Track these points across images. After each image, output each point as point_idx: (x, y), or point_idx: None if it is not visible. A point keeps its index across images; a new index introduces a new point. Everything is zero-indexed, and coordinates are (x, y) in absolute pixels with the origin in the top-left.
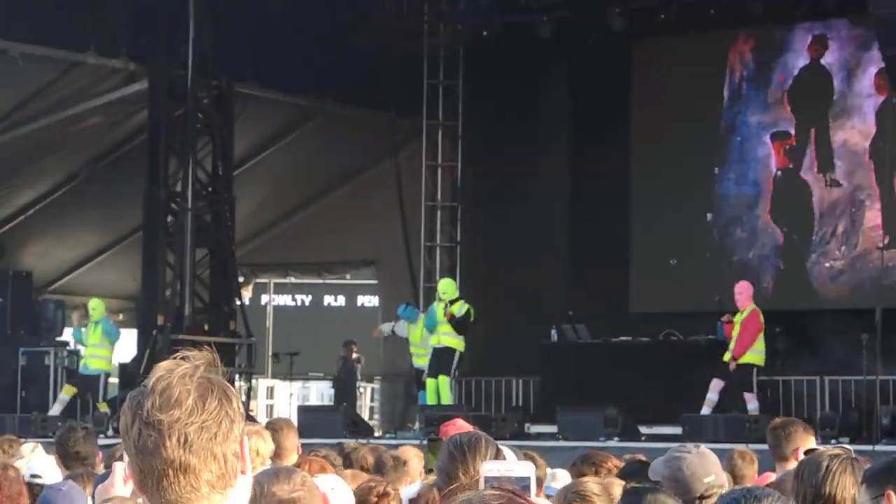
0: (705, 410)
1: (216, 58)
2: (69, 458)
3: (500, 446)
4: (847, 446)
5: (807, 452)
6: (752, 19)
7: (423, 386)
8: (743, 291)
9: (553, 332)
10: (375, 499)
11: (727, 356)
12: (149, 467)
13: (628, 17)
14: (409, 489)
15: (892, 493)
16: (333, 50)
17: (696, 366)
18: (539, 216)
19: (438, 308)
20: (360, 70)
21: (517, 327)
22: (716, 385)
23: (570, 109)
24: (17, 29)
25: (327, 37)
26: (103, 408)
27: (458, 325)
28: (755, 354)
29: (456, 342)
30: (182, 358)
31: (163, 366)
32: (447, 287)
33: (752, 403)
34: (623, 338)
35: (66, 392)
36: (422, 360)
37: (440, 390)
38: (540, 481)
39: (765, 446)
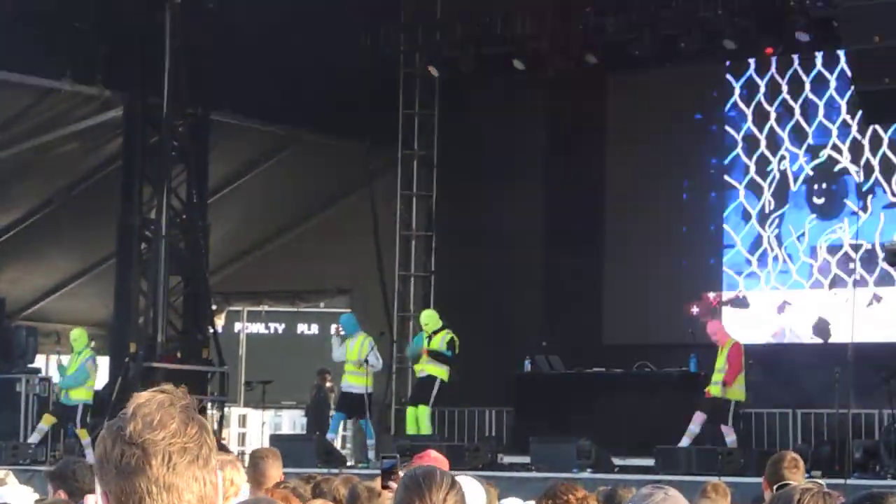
0: (685, 442)
1: (192, 86)
2: (75, 493)
3: (462, 476)
4: (819, 480)
5: (779, 487)
6: (727, 53)
7: (348, 410)
8: (717, 331)
9: (527, 362)
10: None
11: (712, 389)
12: (131, 488)
13: (603, 50)
14: None
15: None
16: (309, 79)
17: (669, 397)
18: (514, 247)
19: (423, 339)
20: (336, 100)
21: (491, 357)
22: (698, 418)
23: (546, 141)
24: None
25: (303, 66)
26: (84, 435)
27: (438, 357)
28: (736, 390)
29: (439, 370)
30: (159, 390)
31: (142, 395)
32: (429, 319)
33: (730, 437)
34: (596, 369)
35: (46, 422)
36: (353, 380)
37: (419, 420)
38: None
39: (738, 479)
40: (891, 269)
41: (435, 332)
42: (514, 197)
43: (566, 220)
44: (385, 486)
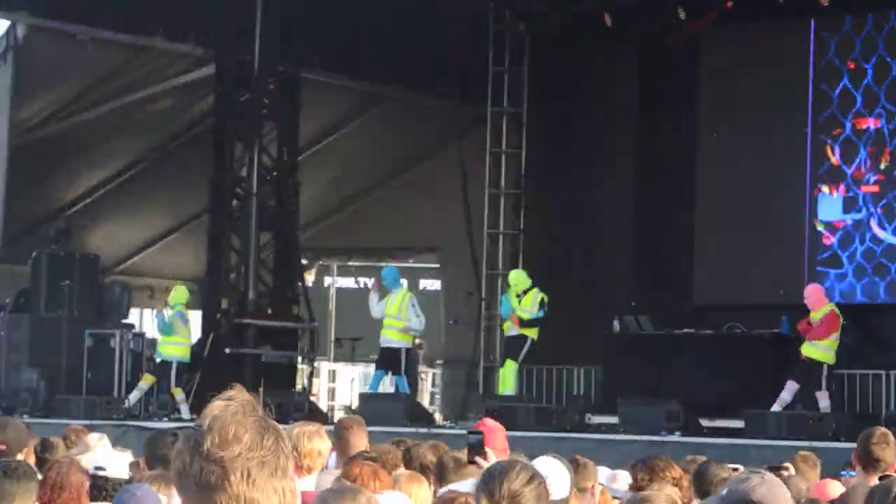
0: (776, 408)
1: (283, 43)
2: (156, 461)
3: (546, 458)
4: None
5: (882, 478)
6: (821, 8)
7: (387, 365)
8: (811, 294)
9: (615, 322)
10: None
11: (805, 349)
12: (212, 503)
13: (694, 5)
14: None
15: None
16: (400, 36)
17: (760, 359)
18: (603, 205)
19: (511, 296)
20: (427, 57)
21: (580, 316)
22: (790, 386)
23: (637, 98)
24: (85, 14)
25: (394, 23)
26: (178, 393)
27: (528, 323)
28: (826, 353)
29: (529, 330)
30: (229, 398)
31: (216, 405)
32: (517, 278)
33: (823, 401)
34: (686, 330)
35: (145, 381)
36: (392, 335)
37: (503, 376)
38: (586, 489)
39: (829, 444)
40: None
41: (525, 292)
42: (603, 155)
43: (657, 177)
44: (472, 461)
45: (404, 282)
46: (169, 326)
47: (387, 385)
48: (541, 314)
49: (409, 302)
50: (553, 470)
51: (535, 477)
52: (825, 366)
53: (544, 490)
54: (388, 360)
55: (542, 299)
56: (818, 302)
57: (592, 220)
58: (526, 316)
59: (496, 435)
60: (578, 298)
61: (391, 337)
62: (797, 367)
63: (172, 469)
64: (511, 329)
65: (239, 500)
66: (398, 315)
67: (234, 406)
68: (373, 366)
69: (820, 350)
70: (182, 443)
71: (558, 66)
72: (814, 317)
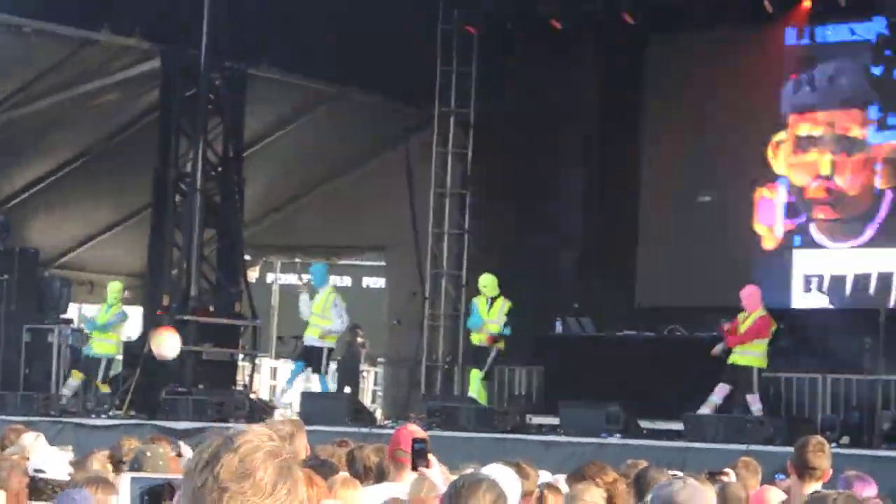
0: (705, 410)
1: (230, 39)
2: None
3: (496, 467)
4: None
5: (803, 470)
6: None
7: (307, 361)
8: (749, 296)
9: (558, 323)
10: None
11: (732, 358)
12: None
13: (646, 10)
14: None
15: None
16: (346, 35)
17: (700, 362)
18: (549, 207)
19: (480, 303)
20: (374, 55)
21: (523, 317)
22: (721, 390)
23: (584, 100)
24: (31, 6)
25: (341, 21)
26: (104, 389)
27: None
28: (757, 357)
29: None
30: (272, 434)
31: (256, 431)
32: (489, 283)
33: (755, 405)
34: (628, 332)
35: (75, 377)
36: (315, 333)
37: (476, 388)
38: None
39: (767, 448)
40: None
41: (494, 299)
42: (550, 155)
43: (604, 180)
44: (415, 468)
45: (333, 279)
46: (113, 325)
47: (316, 382)
48: (507, 332)
49: (333, 302)
50: (505, 480)
51: (500, 496)
52: (755, 370)
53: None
54: (310, 357)
55: (509, 309)
56: (754, 304)
57: (538, 220)
58: (496, 329)
59: (416, 434)
60: (522, 298)
61: (314, 336)
62: (726, 370)
63: (189, 461)
64: (480, 342)
65: None
66: (322, 314)
67: (268, 444)
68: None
69: (748, 356)
70: (208, 443)
71: (506, 68)
72: (741, 319)
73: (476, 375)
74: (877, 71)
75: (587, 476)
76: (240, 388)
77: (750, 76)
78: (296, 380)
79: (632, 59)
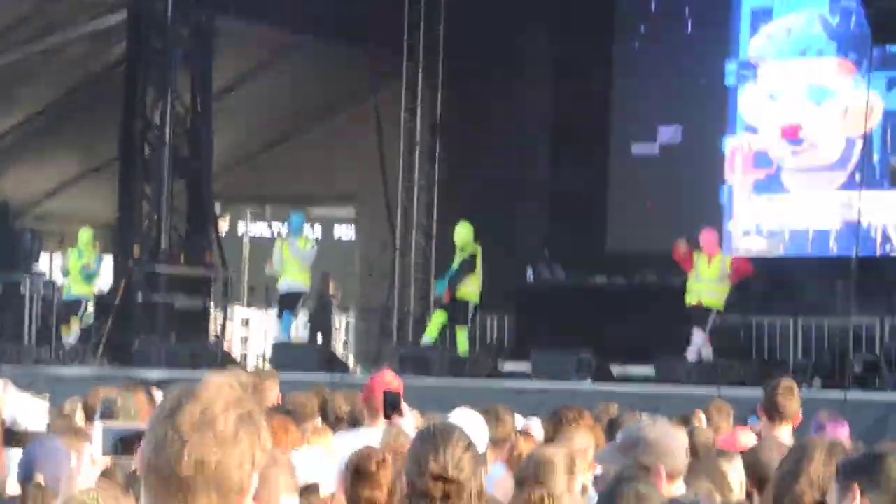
0: (691, 357)
1: None
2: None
3: (464, 411)
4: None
5: (773, 412)
6: None
7: (288, 307)
8: (708, 240)
9: (529, 271)
10: (374, 467)
11: (704, 298)
12: (156, 466)
13: None
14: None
15: (857, 488)
16: None
17: (671, 307)
18: (518, 156)
19: (456, 262)
20: (343, 6)
21: (494, 266)
22: (698, 332)
23: (553, 52)
24: None
25: None
26: (75, 322)
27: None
28: (717, 299)
29: (468, 293)
30: (231, 382)
31: (218, 380)
32: (465, 238)
33: (706, 349)
34: (599, 277)
35: (67, 332)
36: (297, 276)
37: (458, 341)
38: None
39: (738, 389)
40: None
41: (462, 248)
42: (519, 106)
43: (572, 128)
44: (388, 417)
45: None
46: (95, 272)
47: (299, 328)
48: (471, 305)
49: (312, 244)
50: (471, 425)
51: (471, 444)
52: (714, 310)
53: (477, 453)
54: (291, 302)
55: (468, 258)
56: (715, 248)
57: (507, 169)
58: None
59: (395, 384)
60: (494, 246)
61: (295, 280)
62: (696, 310)
63: (152, 413)
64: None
65: (180, 480)
66: (302, 259)
67: (229, 393)
68: None
69: (714, 298)
70: (169, 395)
71: (475, 18)
72: (712, 265)
73: (462, 333)
74: (834, 21)
75: (567, 420)
76: (212, 338)
77: (716, 21)
78: (290, 328)
79: (601, 10)
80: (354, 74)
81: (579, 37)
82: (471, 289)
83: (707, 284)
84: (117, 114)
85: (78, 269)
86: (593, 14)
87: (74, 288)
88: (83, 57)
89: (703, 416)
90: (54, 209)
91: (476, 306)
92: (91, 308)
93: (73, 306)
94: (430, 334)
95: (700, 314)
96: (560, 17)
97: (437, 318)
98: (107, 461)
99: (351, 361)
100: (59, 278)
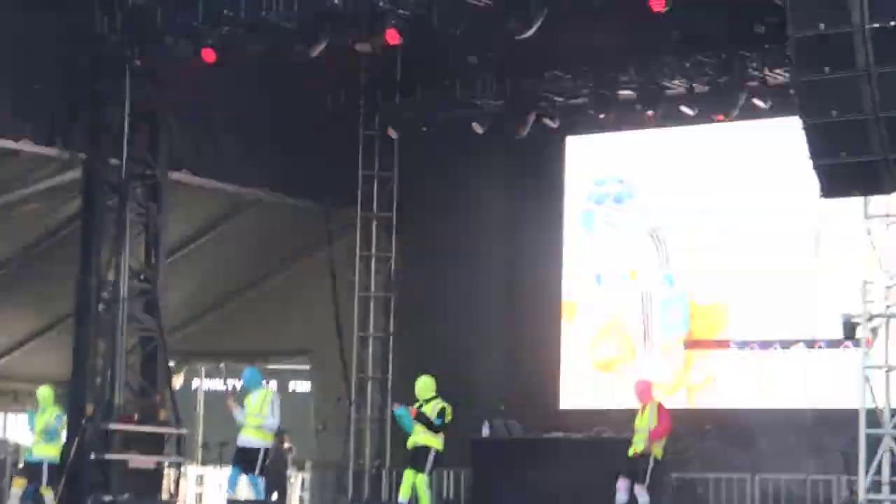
0: None
1: (150, 147)
2: None
3: None
4: None
5: None
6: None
7: (243, 463)
8: (644, 391)
9: (484, 426)
10: None
11: (638, 447)
12: None
13: (561, 113)
14: None
15: None
16: (269, 140)
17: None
18: (473, 309)
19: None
20: (296, 160)
21: (450, 420)
22: (622, 484)
23: (506, 203)
24: None
25: (263, 127)
26: (48, 493)
27: (427, 425)
28: (659, 448)
29: (431, 440)
30: None
31: None
32: (425, 386)
33: (643, 497)
34: (555, 433)
35: (17, 485)
36: (253, 433)
37: (417, 489)
38: None
39: None
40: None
41: (427, 401)
42: (473, 259)
43: (526, 283)
44: None
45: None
46: (55, 431)
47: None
48: (439, 422)
49: (271, 400)
50: None
51: None
52: (652, 458)
53: None
54: (245, 460)
55: (444, 408)
56: (649, 397)
57: (462, 323)
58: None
59: None
60: (448, 402)
61: (250, 436)
62: (623, 463)
63: None
64: (414, 444)
65: None
66: (259, 413)
67: None
68: None
69: (655, 446)
70: None
71: (428, 171)
72: (642, 415)
73: (413, 478)
74: None
75: None
76: (166, 495)
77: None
78: (236, 484)
79: (551, 157)
80: (309, 227)
81: (534, 182)
82: (434, 437)
83: (640, 434)
84: (73, 270)
85: (41, 429)
86: (548, 158)
87: (36, 450)
88: (38, 214)
89: None
90: (9, 366)
91: (438, 454)
92: (46, 472)
93: (35, 469)
94: (404, 494)
95: (634, 463)
96: (512, 170)
97: (408, 477)
98: None
99: None
100: (17, 438)
